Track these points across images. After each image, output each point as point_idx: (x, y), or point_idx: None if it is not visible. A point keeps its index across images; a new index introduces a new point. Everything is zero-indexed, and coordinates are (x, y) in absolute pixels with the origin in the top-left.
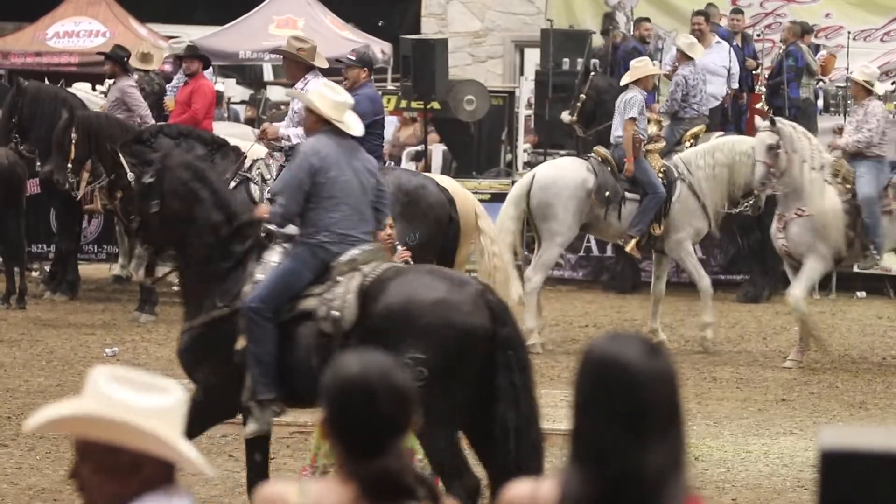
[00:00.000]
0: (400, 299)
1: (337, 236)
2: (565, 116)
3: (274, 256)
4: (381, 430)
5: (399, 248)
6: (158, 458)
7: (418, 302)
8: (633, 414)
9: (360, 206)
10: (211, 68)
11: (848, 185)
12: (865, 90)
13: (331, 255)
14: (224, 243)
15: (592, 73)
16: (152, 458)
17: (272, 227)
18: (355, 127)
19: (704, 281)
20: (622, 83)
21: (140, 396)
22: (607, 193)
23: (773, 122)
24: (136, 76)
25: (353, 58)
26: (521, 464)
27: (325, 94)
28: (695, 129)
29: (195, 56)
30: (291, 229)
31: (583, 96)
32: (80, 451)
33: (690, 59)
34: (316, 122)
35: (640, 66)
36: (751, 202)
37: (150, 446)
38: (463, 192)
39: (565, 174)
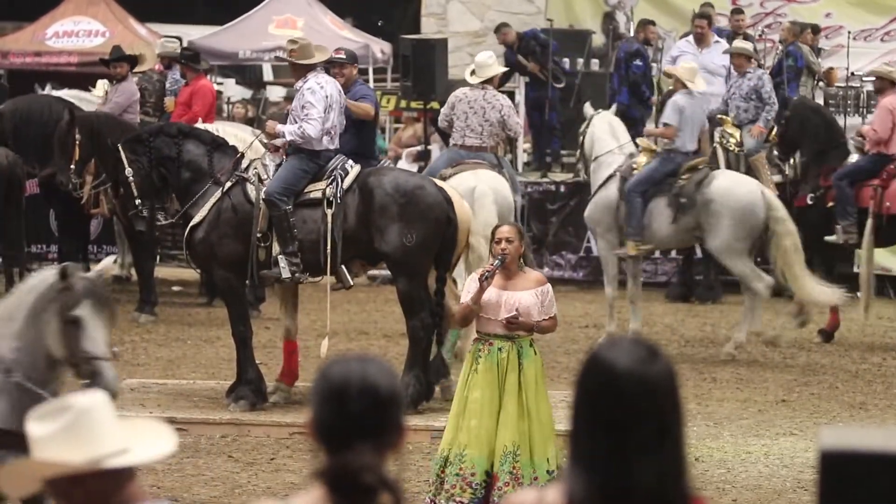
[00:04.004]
0: None
1: None
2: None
3: None
4: (349, 430)
5: (497, 262)
6: (97, 473)
7: None
8: (620, 423)
9: None
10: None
11: None
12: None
13: None
14: None
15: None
16: (91, 476)
17: None
18: None
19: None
20: None
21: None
22: None
23: None
24: (135, 78)
25: (344, 56)
26: None
27: None
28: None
29: (188, 61)
30: None
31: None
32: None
33: (749, 59)
34: None
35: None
36: None
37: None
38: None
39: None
